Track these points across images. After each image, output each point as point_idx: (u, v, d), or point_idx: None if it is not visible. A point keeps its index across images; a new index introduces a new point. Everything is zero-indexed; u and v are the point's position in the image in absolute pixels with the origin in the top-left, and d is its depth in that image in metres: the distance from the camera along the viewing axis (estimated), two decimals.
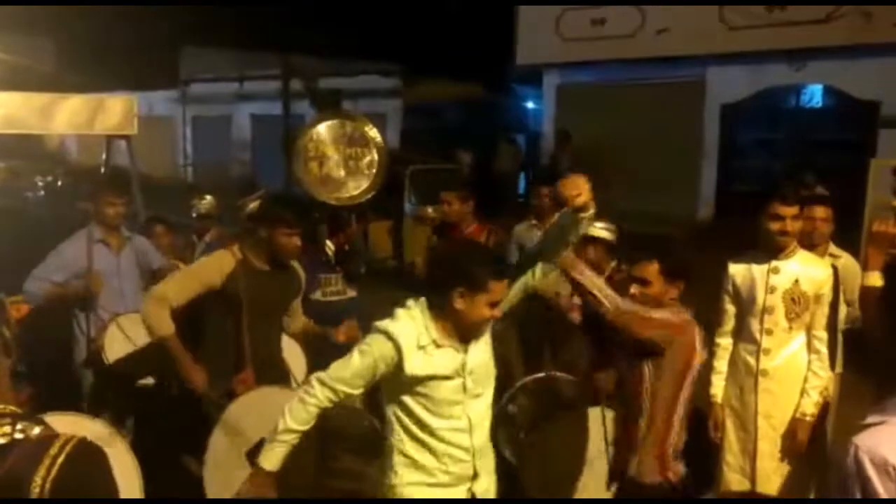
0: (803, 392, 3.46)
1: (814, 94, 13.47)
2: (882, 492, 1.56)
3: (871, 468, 1.57)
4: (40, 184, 17.06)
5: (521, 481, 3.64)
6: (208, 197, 6.22)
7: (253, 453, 2.98)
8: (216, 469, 3.09)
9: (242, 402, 3.23)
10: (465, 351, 2.60)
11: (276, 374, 3.63)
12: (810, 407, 3.43)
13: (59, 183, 17.07)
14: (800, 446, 3.40)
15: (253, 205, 5.22)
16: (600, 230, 4.08)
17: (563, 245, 2.89)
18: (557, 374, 3.85)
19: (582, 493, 3.51)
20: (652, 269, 2.92)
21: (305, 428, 2.59)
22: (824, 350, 3.47)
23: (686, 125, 13.90)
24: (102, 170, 6.28)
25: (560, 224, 2.93)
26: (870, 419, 1.65)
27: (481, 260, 2.60)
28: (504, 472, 3.04)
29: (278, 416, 2.80)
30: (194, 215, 6.14)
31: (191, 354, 3.44)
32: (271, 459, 2.58)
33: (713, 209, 13.77)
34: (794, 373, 3.48)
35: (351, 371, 2.56)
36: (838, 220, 4.00)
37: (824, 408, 3.52)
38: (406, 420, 2.60)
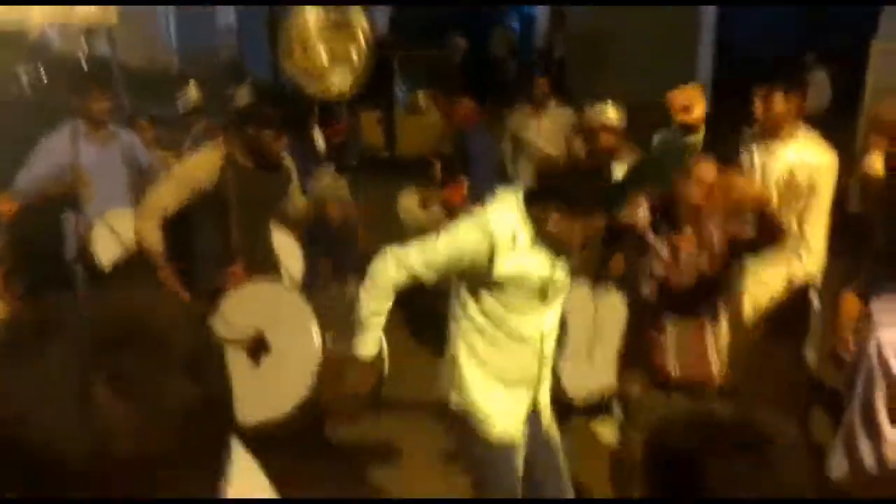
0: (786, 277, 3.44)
1: None
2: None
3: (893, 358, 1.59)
4: (24, 79, 16.57)
5: None
6: (194, 88, 6.06)
7: (251, 348, 3.01)
8: None
9: (234, 296, 3.22)
10: (554, 258, 2.49)
11: (267, 269, 3.62)
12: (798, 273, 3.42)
13: (45, 80, 16.61)
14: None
15: (241, 93, 5.11)
16: (611, 117, 3.98)
17: (665, 176, 2.64)
18: None
19: None
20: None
21: (388, 304, 2.50)
22: (814, 244, 3.38)
23: (684, 9, 13.48)
24: (83, 63, 6.09)
25: (661, 149, 2.69)
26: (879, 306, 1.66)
27: (591, 187, 2.45)
28: None
29: (275, 309, 2.82)
30: (181, 109, 6.00)
31: (175, 263, 3.42)
32: (368, 346, 2.51)
33: (711, 93, 13.54)
34: (780, 258, 3.44)
35: (433, 258, 2.43)
36: (837, 104, 3.89)
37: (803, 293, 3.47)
38: (479, 315, 2.51)
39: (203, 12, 21.33)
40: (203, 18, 21.65)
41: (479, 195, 4.51)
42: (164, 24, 22.63)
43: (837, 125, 3.65)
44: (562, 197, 2.36)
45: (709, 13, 13.50)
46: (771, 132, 3.37)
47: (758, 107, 3.33)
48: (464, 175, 4.49)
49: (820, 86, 8.90)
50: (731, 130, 4.15)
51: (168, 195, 3.40)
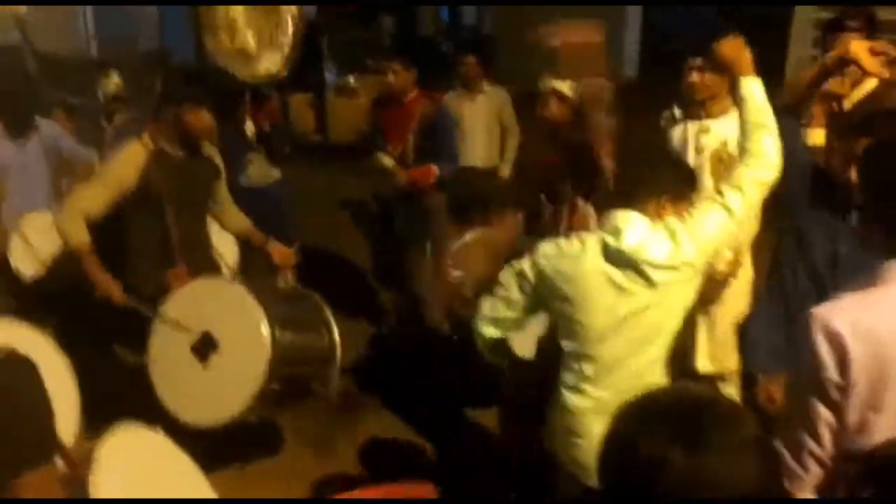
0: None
1: None
2: (826, 359, 1.58)
3: (819, 335, 1.58)
4: None
5: None
6: (115, 76, 5.83)
7: (197, 348, 2.91)
8: (162, 366, 3.01)
9: (180, 296, 3.11)
10: None
11: (209, 265, 3.52)
12: (721, 263, 3.38)
13: None
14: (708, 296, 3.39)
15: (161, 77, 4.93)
16: (564, 85, 3.92)
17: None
18: None
19: None
20: None
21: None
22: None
23: None
24: None
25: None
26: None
27: (686, 169, 2.43)
28: None
29: (221, 306, 2.73)
30: (101, 99, 5.77)
31: (106, 267, 3.27)
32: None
33: (637, 69, 13.71)
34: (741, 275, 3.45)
35: None
36: (760, 75, 3.88)
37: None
38: None
39: None
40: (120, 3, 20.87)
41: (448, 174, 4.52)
42: (79, 10, 21.74)
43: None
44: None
45: None
46: (704, 106, 3.37)
47: (691, 81, 3.32)
48: (434, 156, 4.43)
49: None
50: (659, 106, 4.18)
51: (93, 198, 3.24)
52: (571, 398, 2.39)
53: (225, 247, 3.95)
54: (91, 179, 3.47)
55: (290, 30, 4.28)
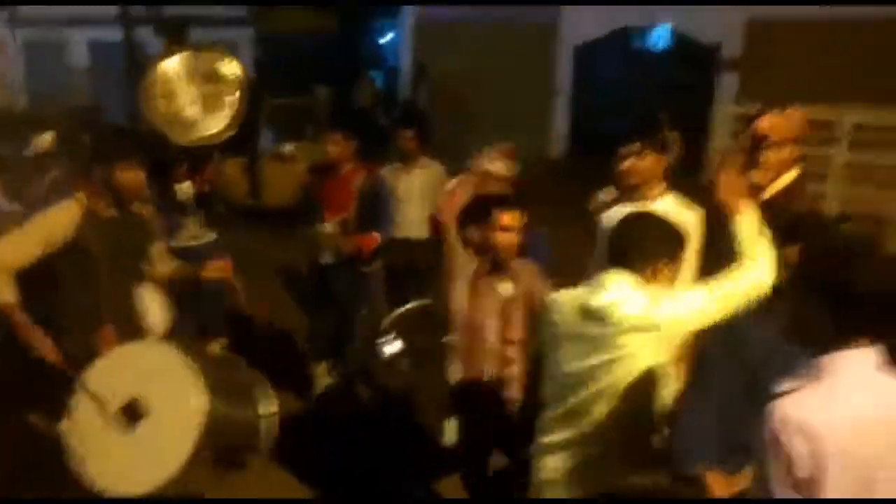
0: None
1: (660, 37, 14.00)
2: (799, 451, 1.65)
3: (785, 431, 1.65)
4: None
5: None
6: (48, 133, 5.72)
7: (124, 414, 2.81)
8: (83, 433, 2.87)
9: (108, 360, 3.01)
10: None
11: (136, 327, 3.43)
12: None
13: None
14: None
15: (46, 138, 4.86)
16: (499, 165, 4.03)
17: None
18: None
19: None
20: None
21: None
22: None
23: (542, 64, 14.14)
24: None
25: None
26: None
27: (676, 231, 2.56)
28: None
29: (151, 370, 2.72)
30: (31, 154, 5.64)
31: (39, 325, 3.18)
32: None
33: (567, 147, 14.17)
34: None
35: None
36: (682, 162, 4.03)
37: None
38: None
39: (54, 47, 20.37)
40: (53, 55, 20.69)
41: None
42: (10, 63, 21.40)
43: (682, 184, 3.77)
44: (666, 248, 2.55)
45: (566, 69, 14.21)
46: (640, 191, 3.47)
47: (628, 168, 3.44)
48: (373, 224, 4.50)
49: (673, 142, 9.46)
50: (587, 184, 4.33)
51: (16, 247, 3.16)
52: (543, 435, 2.63)
53: (155, 311, 3.86)
54: (15, 233, 3.34)
55: (234, 94, 4.33)
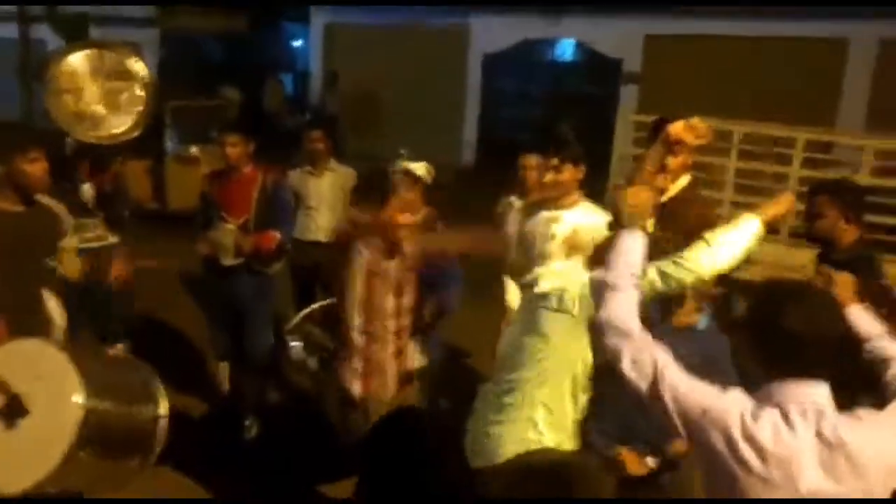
0: None
1: (565, 49, 14.42)
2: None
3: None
4: None
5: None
6: None
7: (5, 411, 2.74)
8: None
9: None
10: None
11: (36, 324, 3.35)
12: None
13: None
14: None
15: None
16: (420, 168, 4.07)
17: None
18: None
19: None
20: None
21: None
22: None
23: (451, 72, 14.32)
24: None
25: None
26: None
27: None
28: None
29: (36, 368, 2.62)
30: None
31: None
32: None
33: (475, 155, 14.38)
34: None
35: None
36: (585, 172, 4.21)
37: None
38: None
39: None
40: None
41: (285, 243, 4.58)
42: None
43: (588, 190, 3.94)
44: None
45: (475, 77, 14.42)
46: (557, 201, 3.61)
47: (532, 173, 3.58)
48: (274, 225, 4.48)
49: None
50: (495, 191, 4.46)
51: None
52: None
53: (53, 310, 3.77)
54: None
55: (141, 94, 4.27)
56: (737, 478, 1.72)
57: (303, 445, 4.08)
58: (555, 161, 3.54)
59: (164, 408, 3.04)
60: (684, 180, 3.66)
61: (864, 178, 7.37)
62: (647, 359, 1.89)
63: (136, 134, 4.33)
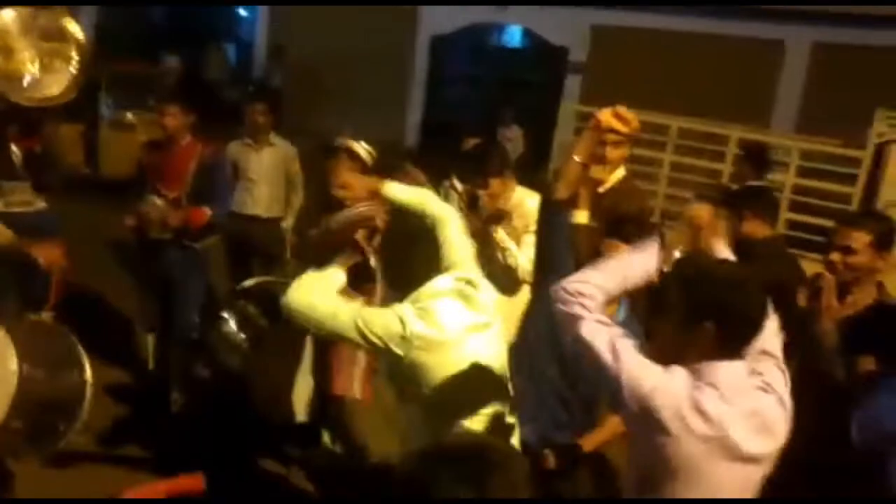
0: None
1: (513, 35, 14.47)
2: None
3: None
4: None
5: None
6: None
7: None
8: None
9: None
10: None
11: None
12: None
13: None
14: None
15: None
16: (361, 146, 4.04)
17: None
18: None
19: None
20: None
21: None
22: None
23: (399, 52, 14.24)
24: None
25: None
26: None
27: None
28: None
29: None
30: None
31: None
32: None
33: (419, 135, 14.36)
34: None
35: None
36: (529, 157, 4.32)
37: None
38: None
39: None
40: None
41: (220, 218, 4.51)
42: None
43: (529, 177, 4.03)
44: None
45: (422, 58, 14.36)
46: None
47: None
48: (208, 201, 4.40)
49: (515, 140, 9.85)
50: (437, 174, 4.48)
51: None
52: None
53: None
54: None
55: (75, 56, 4.14)
56: (680, 444, 1.82)
57: (228, 420, 4.06)
58: (494, 186, 3.61)
59: (88, 373, 3.01)
60: (620, 172, 3.73)
61: (790, 179, 7.63)
62: (605, 329, 1.97)
63: (69, 97, 4.20)
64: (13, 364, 2.65)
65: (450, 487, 1.20)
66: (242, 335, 3.64)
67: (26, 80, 4.04)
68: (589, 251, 2.86)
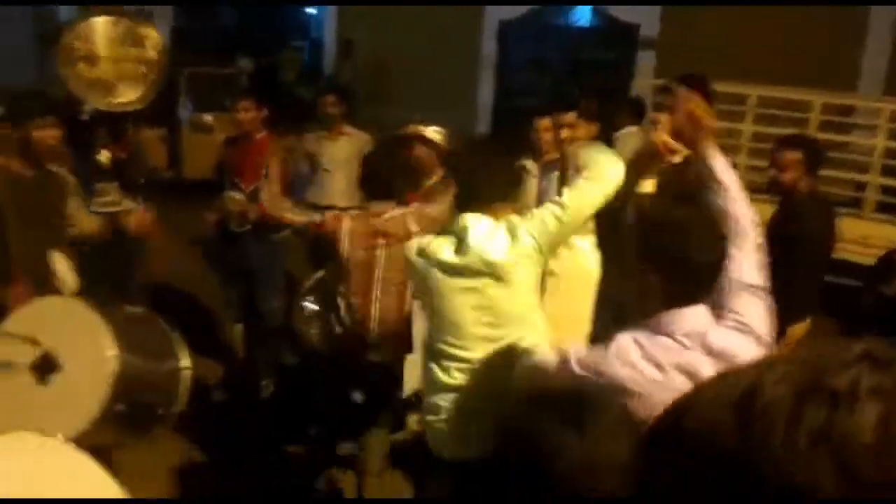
0: None
1: (582, 15, 14.25)
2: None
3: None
4: None
5: None
6: None
7: (37, 367, 2.81)
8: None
9: (22, 314, 2.99)
10: None
11: (50, 285, 3.42)
12: None
13: None
14: None
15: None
16: (429, 131, 4.07)
17: None
18: None
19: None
20: None
21: None
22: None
23: (466, 39, 14.21)
24: None
25: None
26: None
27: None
28: None
29: (65, 325, 2.71)
30: None
31: None
32: None
33: (490, 122, 14.32)
34: (580, 274, 3.70)
35: None
36: (600, 137, 4.22)
37: None
38: None
39: None
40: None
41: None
42: None
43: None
44: None
45: (490, 44, 14.30)
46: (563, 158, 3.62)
47: (546, 135, 3.58)
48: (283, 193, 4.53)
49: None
50: (509, 158, 4.45)
51: None
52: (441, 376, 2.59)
53: (65, 274, 3.85)
54: None
55: (154, 62, 4.28)
56: (641, 394, 1.74)
57: (318, 405, 4.14)
58: (569, 118, 3.54)
59: (185, 360, 3.12)
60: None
61: (880, 142, 7.31)
62: None
63: (148, 101, 4.35)
64: (112, 350, 2.77)
65: (554, 431, 1.19)
66: (324, 320, 3.73)
67: (107, 87, 4.20)
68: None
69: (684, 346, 1.77)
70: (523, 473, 1.23)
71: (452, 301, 2.55)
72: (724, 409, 0.60)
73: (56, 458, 2.17)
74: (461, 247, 2.53)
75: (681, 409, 0.65)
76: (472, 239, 2.50)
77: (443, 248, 2.56)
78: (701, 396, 0.64)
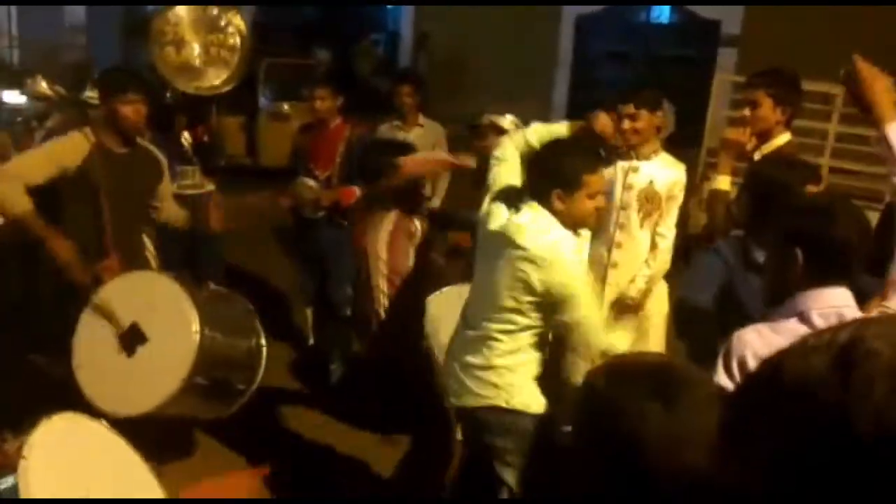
0: (632, 279, 3.65)
1: (661, 11, 14.00)
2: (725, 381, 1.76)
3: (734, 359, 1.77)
4: None
5: None
6: (39, 77, 5.77)
7: (125, 338, 2.93)
8: (87, 355, 2.99)
9: (113, 286, 3.12)
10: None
11: (140, 260, 3.55)
12: (633, 291, 3.64)
13: None
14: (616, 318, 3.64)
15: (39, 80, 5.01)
16: (508, 121, 4.07)
17: None
18: None
19: None
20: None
21: None
22: (663, 245, 3.64)
23: (544, 33, 14.12)
24: None
25: None
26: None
27: (571, 155, 2.61)
28: None
29: (153, 299, 2.81)
30: (25, 99, 5.71)
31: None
32: None
33: (565, 118, 14.19)
34: (661, 310, 3.70)
35: None
36: (680, 133, 4.16)
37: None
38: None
39: (48, 6, 20.16)
40: (49, 13, 20.47)
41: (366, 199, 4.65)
42: (3, 15, 21.14)
43: (679, 153, 3.89)
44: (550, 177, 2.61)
45: (566, 39, 14.18)
46: (634, 149, 3.60)
47: (625, 128, 3.54)
48: (356, 180, 4.54)
49: (666, 115, 9.52)
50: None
51: (34, 166, 3.32)
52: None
53: (150, 254, 3.97)
54: (32, 152, 3.55)
55: (238, 49, 4.39)
56: None
57: (385, 392, 4.17)
58: (630, 108, 3.50)
59: (263, 338, 3.21)
60: (784, 137, 3.47)
61: None
62: None
63: (230, 87, 4.46)
64: (195, 325, 2.86)
65: (639, 403, 1.18)
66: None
67: (194, 72, 4.32)
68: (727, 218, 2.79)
69: (813, 325, 1.73)
70: (601, 442, 1.22)
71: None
72: (824, 362, 0.61)
73: (95, 443, 2.24)
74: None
75: (778, 362, 0.66)
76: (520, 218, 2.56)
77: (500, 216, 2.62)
78: (799, 349, 0.65)
